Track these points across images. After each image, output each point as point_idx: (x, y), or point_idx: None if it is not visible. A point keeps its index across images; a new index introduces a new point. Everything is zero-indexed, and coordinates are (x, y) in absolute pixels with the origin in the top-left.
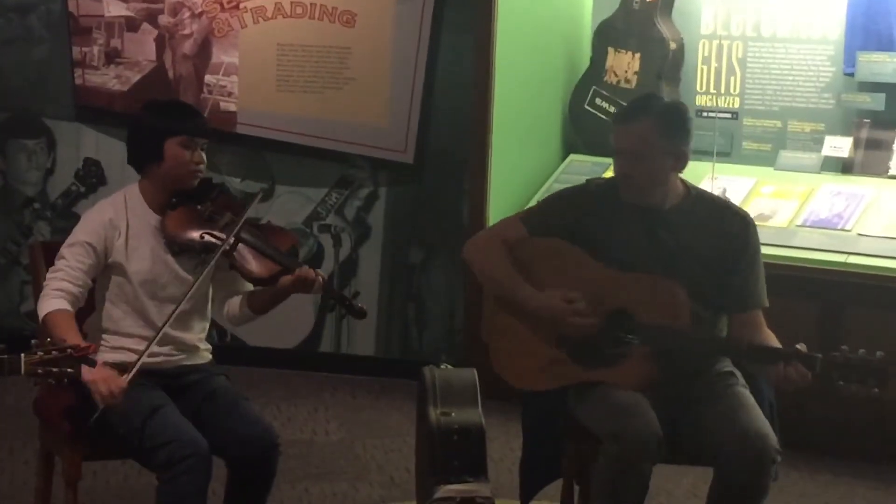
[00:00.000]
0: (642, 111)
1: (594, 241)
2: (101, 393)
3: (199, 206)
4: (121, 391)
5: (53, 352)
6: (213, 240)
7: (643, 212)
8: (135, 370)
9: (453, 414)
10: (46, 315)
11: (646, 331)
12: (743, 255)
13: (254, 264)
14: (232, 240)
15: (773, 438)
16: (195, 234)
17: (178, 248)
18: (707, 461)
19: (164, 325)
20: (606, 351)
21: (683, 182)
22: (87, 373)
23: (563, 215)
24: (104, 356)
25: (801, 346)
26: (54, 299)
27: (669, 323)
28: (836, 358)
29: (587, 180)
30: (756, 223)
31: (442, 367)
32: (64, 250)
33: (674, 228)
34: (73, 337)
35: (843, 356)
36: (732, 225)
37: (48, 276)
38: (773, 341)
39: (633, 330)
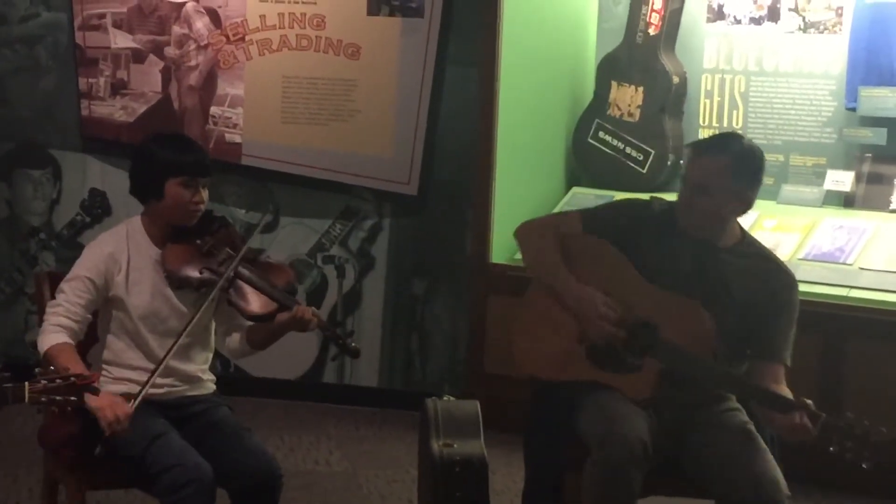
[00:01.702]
0: (721, 148)
1: (642, 255)
2: (108, 419)
3: (198, 241)
4: (126, 417)
5: (57, 380)
6: (211, 276)
7: (697, 244)
8: (140, 397)
9: (455, 446)
10: (48, 350)
11: (666, 348)
12: (782, 311)
13: (250, 301)
14: (231, 274)
15: (783, 485)
16: (193, 271)
17: (178, 283)
18: (712, 495)
19: (163, 358)
20: (621, 358)
21: (740, 226)
22: (92, 399)
23: (621, 222)
24: (107, 387)
25: (809, 402)
26: (54, 334)
27: (689, 347)
28: (839, 423)
29: (651, 197)
30: None
31: (444, 398)
32: (64, 285)
33: (722, 267)
34: (76, 366)
35: (845, 423)
36: (779, 280)
37: (48, 310)
38: (788, 395)
39: (654, 344)
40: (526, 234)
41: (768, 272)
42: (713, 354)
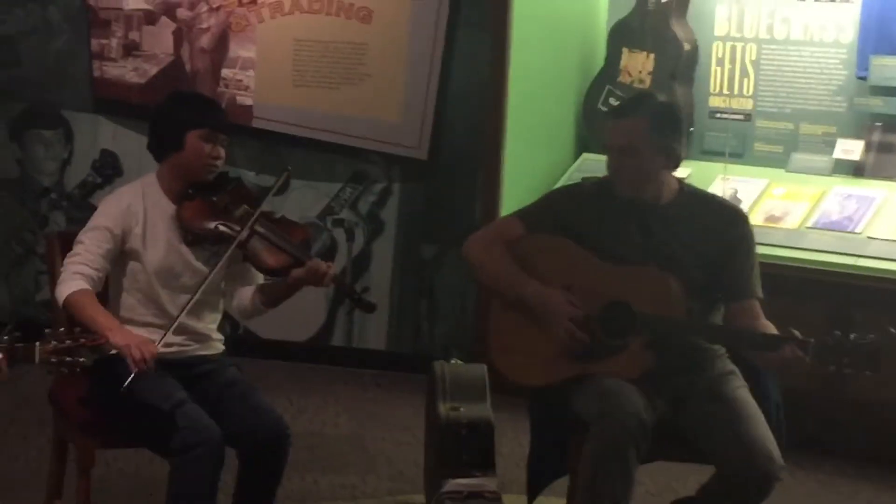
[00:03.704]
0: (634, 109)
1: (589, 236)
2: (134, 357)
3: (214, 198)
4: (152, 356)
5: (67, 341)
6: (228, 231)
7: (636, 208)
8: (164, 338)
9: (462, 409)
10: (68, 297)
11: (644, 320)
12: (737, 247)
13: (267, 256)
14: (247, 231)
15: (777, 456)
16: (210, 225)
17: (193, 239)
18: (709, 462)
19: (182, 310)
20: (605, 342)
21: (678, 180)
22: (119, 338)
23: (560, 212)
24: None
25: (795, 332)
26: (74, 282)
27: (667, 313)
28: (829, 342)
29: (582, 178)
30: (767, 225)
31: (452, 362)
32: (82, 236)
33: (667, 223)
34: (100, 316)
35: (835, 340)
36: (725, 218)
37: (67, 260)
38: (771, 330)
39: (630, 321)
40: (474, 251)
41: (713, 214)
42: (687, 312)
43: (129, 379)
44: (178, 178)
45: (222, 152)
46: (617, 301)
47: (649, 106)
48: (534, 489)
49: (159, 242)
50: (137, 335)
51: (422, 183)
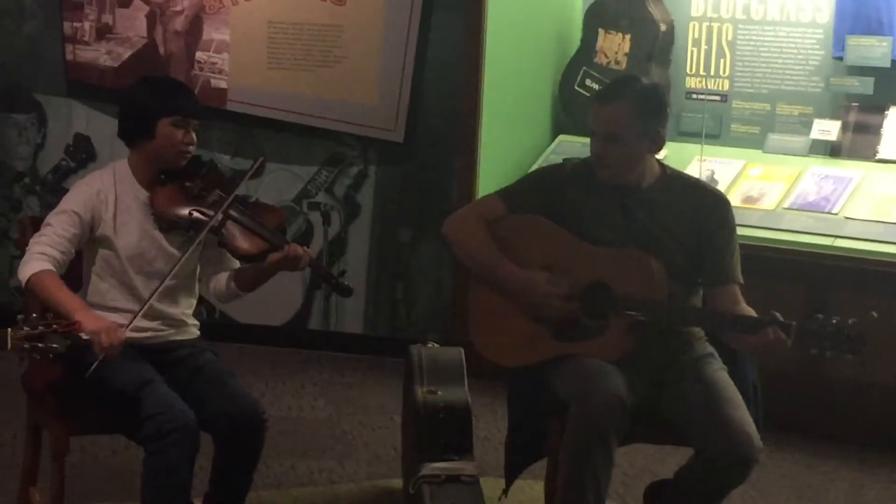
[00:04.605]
0: (619, 93)
1: (570, 217)
2: (102, 344)
3: (188, 183)
4: (120, 343)
5: (39, 327)
6: (202, 216)
7: (618, 190)
8: (132, 322)
9: (439, 392)
10: (31, 277)
11: (623, 302)
12: (718, 231)
13: (242, 241)
14: (220, 216)
15: (757, 439)
16: (184, 211)
17: (167, 225)
18: (688, 444)
19: (151, 295)
20: (585, 323)
21: (660, 163)
22: (88, 324)
23: (541, 193)
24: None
25: (776, 314)
26: (37, 262)
27: (648, 295)
28: (811, 325)
29: (564, 159)
30: (744, 206)
31: (429, 345)
32: (50, 218)
33: (649, 207)
34: (65, 296)
35: (817, 323)
36: (707, 203)
37: (32, 240)
38: (751, 314)
39: (611, 303)
40: (454, 230)
41: (696, 198)
42: (669, 294)
43: (94, 365)
44: (151, 165)
45: (194, 138)
46: (598, 282)
47: (634, 90)
48: (511, 472)
49: (132, 228)
50: (105, 320)
51: (398, 166)
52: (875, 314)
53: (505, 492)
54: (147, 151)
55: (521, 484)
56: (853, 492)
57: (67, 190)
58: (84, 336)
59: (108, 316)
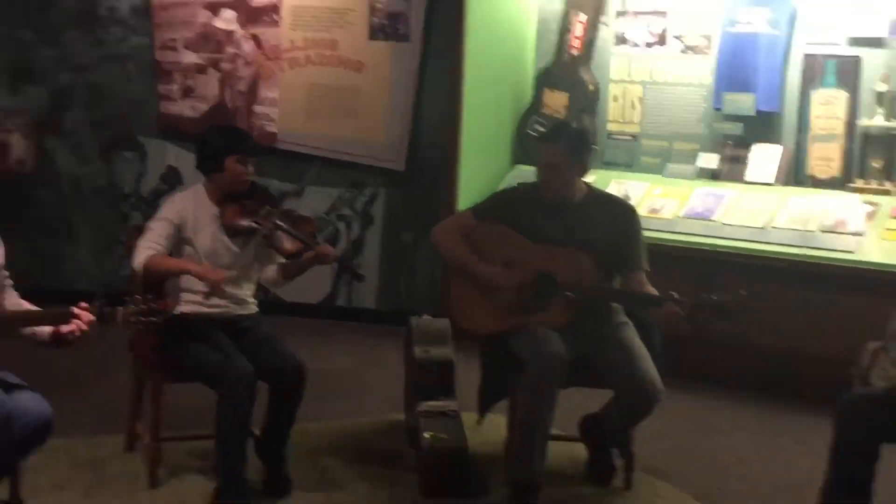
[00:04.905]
0: (558, 135)
1: (523, 225)
2: (210, 277)
3: (246, 202)
4: (222, 279)
5: (141, 306)
6: (256, 226)
7: (558, 205)
8: (229, 274)
9: (431, 351)
10: (145, 262)
11: (563, 286)
12: (630, 233)
13: (285, 243)
14: (269, 226)
15: (659, 383)
16: (243, 222)
17: (231, 232)
18: (610, 387)
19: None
20: (535, 303)
21: (587, 184)
22: (199, 269)
23: (502, 208)
24: (182, 308)
25: (674, 293)
26: (146, 251)
27: (580, 281)
28: (698, 301)
29: (518, 183)
30: (650, 215)
31: (423, 317)
32: (151, 223)
33: (580, 216)
34: (173, 262)
35: (702, 300)
36: (622, 213)
37: (139, 240)
38: (655, 293)
39: (554, 286)
40: (438, 237)
41: (613, 208)
42: (595, 280)
43: (206, 295)
44: (220, 189)
45: (252, 170)
46: (544, 272)
47: (569, 133)
48: (483, 408)
49: (207, 234)
50: (207, 266)
51: (400, 188)
52: (744, 292)
53: (478, 422)
54: (217, 180)
55: (490, 417)
56: (731, 420)
57: (160, 206)
58: (175, 312)
59: (192, 297)
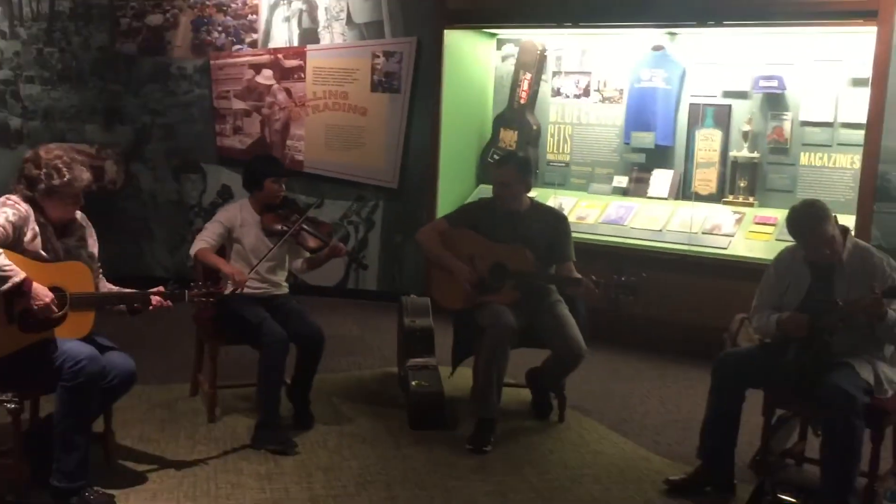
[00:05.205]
0: (509, 162)
1: (484, 229)
2: (235, 278)
3: (280, 211)
4: (244, 279)
5: (203, 289)
6: (287, 229)
7: (509, 214)
8: (253, 269)
9: (416, 321)
10: (197, 252)
11: (513, 273)
12: (562, 233)
13: (309, 241)
14: (296, 228)
15: (583, 344)
16: (278, 226)
17: (268, 233)
18: (548, 347)
19: (257, 264)
20: (493, 286)
21: (530, 198)
22: (229, 269)
23: (468, 216)
24: (230, 290)
25: (593, 277)
26: (199, 243)
27: (525, 269)
28: (610, 282)
29: (480, 198)
30: (578, 221)
31: (411, 296)
32: (207, 224)
33: (525, 222)
34: (213, 258)
35: (613, 281)
36: (556, 219)
37: (197, 236)
38: (578, 276)
39: (506, 273)
40: (421, 238)
41: (550, 216)
42: (536, 268)
43: (232, 291)
44: (260, 202)
45: (284, 188)
46: (499, 263)
47: (517, 160)
48: (454, 363)
49: (251, 235)
50: (235, 267)
51: (395, 201)
52: (644, 275)
53: (451, 374)
54: (259, 195)
55: (460, 370)
56: (636, 371)
57: (216, 213)
58: (227, 292)
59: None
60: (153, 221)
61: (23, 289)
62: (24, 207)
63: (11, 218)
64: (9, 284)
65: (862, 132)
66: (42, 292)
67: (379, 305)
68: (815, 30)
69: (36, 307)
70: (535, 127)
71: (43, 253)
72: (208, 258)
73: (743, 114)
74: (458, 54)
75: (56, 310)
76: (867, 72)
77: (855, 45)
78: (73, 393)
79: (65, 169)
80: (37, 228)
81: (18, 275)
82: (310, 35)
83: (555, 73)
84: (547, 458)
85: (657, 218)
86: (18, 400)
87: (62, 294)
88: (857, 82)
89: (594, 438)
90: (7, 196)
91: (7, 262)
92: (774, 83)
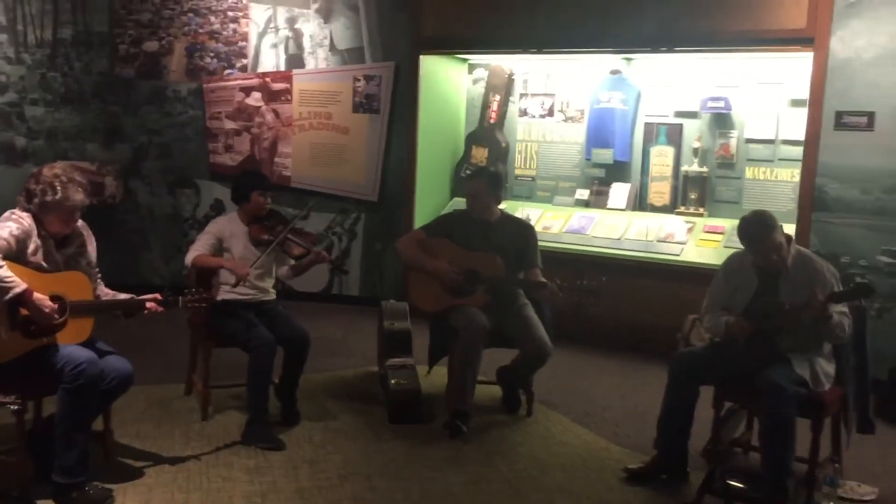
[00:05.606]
0: (480, 176)
1: (458, 238)
2: (238, 272)
3: (266, 222)
4: (246, 272)
5: (196, 295)
6: (273, 239)
7: (481, 223)
8: (255, 263)
9: (395, 324)
10: (194, 259)
11: (485, 278)
12: (530, 241)
13: (293, 249)
14: (281, 238)
15: (549, 344)
16: (264, 236)
17: (256, 243)
18: (516, 347)
19: (255, 262)
20: (466, 290)
21: (501, 209)
22: (232, 265)
23: (443, 227)
24: (223, 296)
25: (558, 281)
26: (194, 252)
27: (496, 275)
28: (572, 286)
29: (454, 210)
30: (543, 231)
31: (390, 301)
32: (200, 235)
33: (495, 231)
34: (212, 259)
35: (576, 285)
36: (524, 228)
37: (191, 247)
38: (544, 281)
39: (479, 279)
40: (400, 246)
41: (518, 226)
42: (506, 274)
43: (236, 283)
44: (248, 214)
45: (270, 201)
46: (472, 269)
47: (488, 175)
48: (431, 363)
49: (239, 244)
50: (235, 262)
51: (375, 213)
52: (605, 279)
53: (428, 372)
54: (246, 208)
55: (436, 369)
56: (598, 368)
57: (207, 225)
58: (219, 300)
59: (227, 288)
60: (150, 233)
61: (24, 299)
62: (28, 222)
63: (15, 232)
64: (10, 295)
65: (801, 148)
66: (43, 301)
67: (361, 310)
68: (758, 55)
69: (37, 315)
70: (504, 144)
71: (44, 264)
72: (207, 261)
73: (693, 132)
74: (432, 78)
75: (56, 317)
76: (805, 93)
77: (794, 69)
78: (74, 394)
79: (59, 187)
80: (39, 241)
81: (19, 286)
82: (296, 60)
83: (522, 95)
84: (516, 449)
85: (616, 227)
86: (22, 401)
87: (62, 302)
88: (797, 103)
89: (559, 431)
90: (12, 210)
91: (8, 273)
92: (721, 104)
